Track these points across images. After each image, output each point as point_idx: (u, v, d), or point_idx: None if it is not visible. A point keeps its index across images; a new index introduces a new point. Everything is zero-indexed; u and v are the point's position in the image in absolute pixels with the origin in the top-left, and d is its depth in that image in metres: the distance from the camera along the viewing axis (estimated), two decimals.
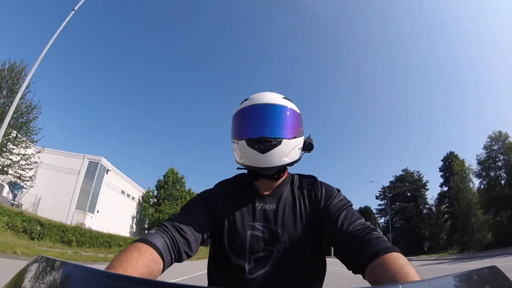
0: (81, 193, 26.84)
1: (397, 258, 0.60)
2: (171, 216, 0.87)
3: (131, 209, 37.17)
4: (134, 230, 36.80)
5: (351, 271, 0.72)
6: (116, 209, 31.83)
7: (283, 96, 0.91)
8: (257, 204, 0.88)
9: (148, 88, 77.02)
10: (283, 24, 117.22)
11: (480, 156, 27.74)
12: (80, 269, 0.33)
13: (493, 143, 26.77)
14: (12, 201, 22.95)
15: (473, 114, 78.43)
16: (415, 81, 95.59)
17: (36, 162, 15.95)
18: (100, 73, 68.42)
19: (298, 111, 0.91)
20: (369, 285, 0.61)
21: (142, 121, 75.22)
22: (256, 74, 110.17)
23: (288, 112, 0.87)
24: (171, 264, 0.71)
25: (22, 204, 23.59)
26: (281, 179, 0.91)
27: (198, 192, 0.95)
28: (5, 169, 15.33)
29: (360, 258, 0.66)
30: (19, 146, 15.49)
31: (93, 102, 67.85)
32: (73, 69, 60.64)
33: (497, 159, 26.32)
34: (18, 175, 15.52)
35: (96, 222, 26.05)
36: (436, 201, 39.24)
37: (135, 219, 37.68)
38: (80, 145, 66.63)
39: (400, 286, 0.29)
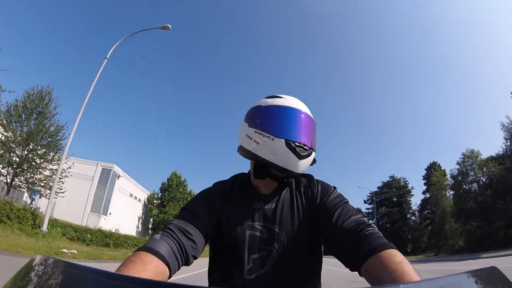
0: (95, 197, 29.38)
1: (394, 255, 0.59)
2: (174, 217, 0.87)
3: (137, 210, 39.59)
4: (140, 230, 39.28)
5: (348, 269, 0.71)
6: (125, 211, 34.35)
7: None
8: (256, 204, 0.88)
9: (150, 91, 79.25)
10: (281, 24, 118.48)
11: (454, 171, 30.26)
12: (79, 268, 0.32)
13: (466, 160, 29.18)
14: (31, 205, 25.35)
15: (467, 125, 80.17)
16: (410, 85, 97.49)
17: (66, 176, 18.42)
18: (106, 81, 70.54)
19: None
20: (366, 282, 0.60)
21: (145, 122, 77.79)
22: (256, 73, 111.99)
23: (315, 127, 0.90)
24: (179, 269, 0.70)
25: (39, 208, 26.00)
26: None
27: None
28: (42, 184, 18.04)
29: (356, 255, 0.66)
30: (52, 163, 18.09)
31: (96, 107, 70.15)
32: (79, 76, 62.54)
33: (468, 175, 28.68)
34: (49, 186, 18.01)
35: (108, 224, 28.64)
36: (419, 207, 42.19)
37: (140, 220, 40.11)
38: (88, 148, 68.84)
39: (401, 286, 0.28)
